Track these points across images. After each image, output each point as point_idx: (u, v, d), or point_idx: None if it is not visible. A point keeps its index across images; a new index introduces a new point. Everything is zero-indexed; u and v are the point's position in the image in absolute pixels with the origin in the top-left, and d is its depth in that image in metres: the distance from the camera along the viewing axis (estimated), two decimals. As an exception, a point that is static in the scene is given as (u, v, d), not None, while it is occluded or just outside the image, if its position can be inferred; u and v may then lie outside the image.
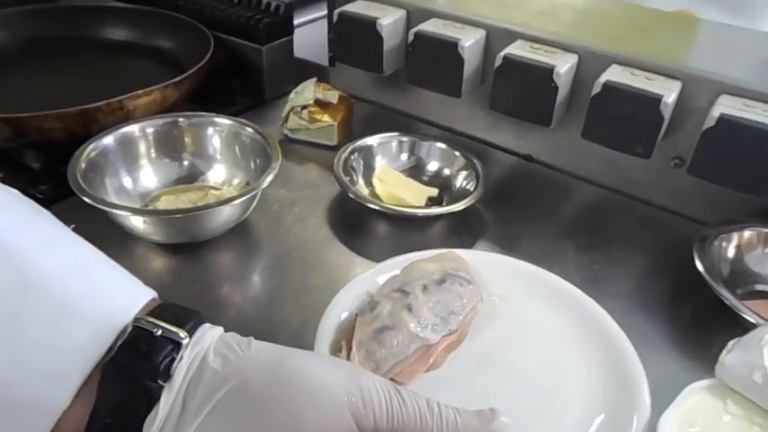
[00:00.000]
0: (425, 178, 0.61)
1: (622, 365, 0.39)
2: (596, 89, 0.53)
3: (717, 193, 0.55)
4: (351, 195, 0.54)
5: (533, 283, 0.46)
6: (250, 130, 0.57)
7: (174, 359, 0.26)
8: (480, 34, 0.61)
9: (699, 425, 0.36)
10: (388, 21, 0.63)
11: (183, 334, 0.27)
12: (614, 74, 0.54)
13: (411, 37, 0.61)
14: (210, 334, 0.28)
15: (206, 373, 0.26)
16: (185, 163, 0.58)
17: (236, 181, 0.57)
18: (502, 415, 0.27)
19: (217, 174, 0.58)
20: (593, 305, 0.43)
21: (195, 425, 0.24)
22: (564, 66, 0.56)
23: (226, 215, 0.50)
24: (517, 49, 0.57)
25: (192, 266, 0.51)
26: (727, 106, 0.50)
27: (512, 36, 0.59)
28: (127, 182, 0.55)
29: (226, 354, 0.26)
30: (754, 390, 0.36)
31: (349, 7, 0.64)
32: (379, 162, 0.61)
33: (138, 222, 0.48)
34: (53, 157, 0.56)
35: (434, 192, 0.59)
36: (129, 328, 0.26)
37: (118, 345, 0.26)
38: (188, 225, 0.50)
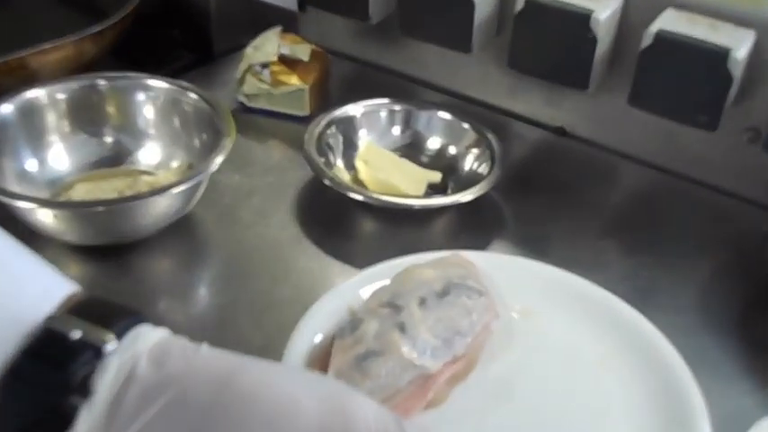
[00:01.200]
0: (425, 159, 0.62)
1: (679, 399, 0.41)
2: (646, 41, 0.54)
3: (803, 175, 0.56)
4: (326, 182, 0.55)
5: (565, 294, 0.47)
6: (193, 96, 0.57)
7: (94, 369, 0.25)
8: (496, -31, 0.62)
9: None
10: (375, -49, 0.64)
11: (108, 337, 0.26)
12: (669, 20, 0.54)
13: (405, -28, 0.62)
14: (148, 337, 0.27)
15: (134, 385, 0.25)
16: (108, 140, 0.58)
17: (174, 163, 0.58)
18: None
19: (150, 154, 0.59)
20: (643, 323, 0.45)
21: None
22: (604, 10, 0.56)
23: (162, 208, 0.51)
24: (544, -11, 0.58)
25: (118, 276, 0.51)
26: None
27: (537, -29, 0.60)
28: (31, 165, 0.55)
29: (163, 361, 0.26)
30: None
31: (323, -67, 0.65)
32: (364, 138, 0.62)
33: (46, 217, 0.49)
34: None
35: (437, 177, 0.60)
36: (39, 330, 0.26)
37: (21, 351, 0.25)
38: (112, 221, 0.50)
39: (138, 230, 0.52)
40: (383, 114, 0.63)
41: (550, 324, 0.46)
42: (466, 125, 0.61)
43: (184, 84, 0.58)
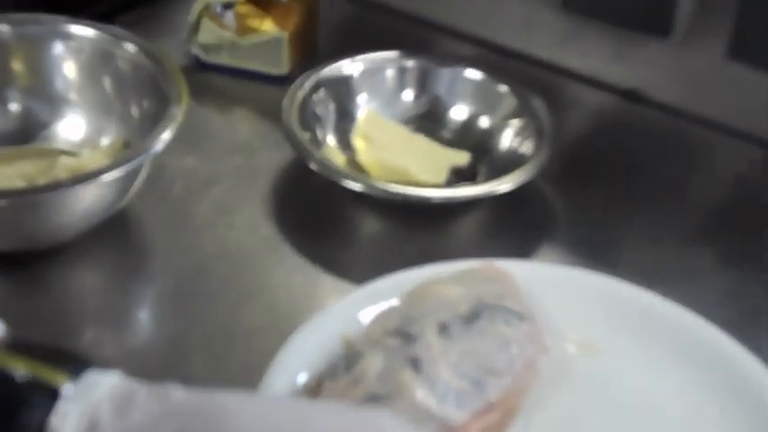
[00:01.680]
0: (447, 135, 0.62)
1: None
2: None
3: None
4: (313, 166, 0.55)
5: (640, 320, 0.48)
6: (131, 47, 0.57)
7: (49, 416, 0.28)
8: None
9: None
10: None
11: (61, 378, 0.29)
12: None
13: None
14: (105, 382, 0.30)
15: None
16: (14, 108, 0.59)
17: (105, 141, 0.58)
18: None
19: (71, 128, 0.59)
20: (750, 361, 0.45)
21: None
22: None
23: (88, 202, 0.51)
24: None
25: (29, 294, 0.51)
26: None
27: None
28: None
29: (130, 408, 0.29)
30: None
31: None
32: (365, 106, 0.62)
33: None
34: None
35: (463, 158, 0.60)
36: None
37: None
38: (20, 220, 0.50)
39: (55, 233, 0.52)
40: (390, 73, 0.63)
41: (620, 361, 0.46)
42: (503, 88, 0.62)
43: (118, 31, 0.58)
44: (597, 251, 0.55)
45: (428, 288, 0.46)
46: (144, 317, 0.52)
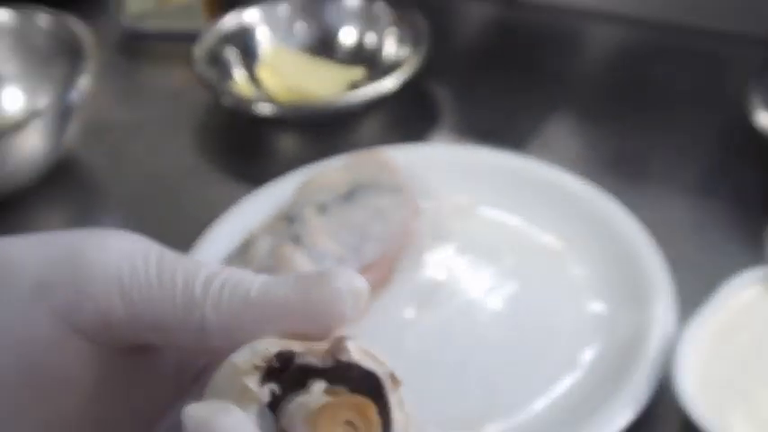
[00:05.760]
0: (340, 56, 0.68)
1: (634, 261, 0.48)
2: None
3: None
4: (224, 101, 0.62)
5: (512, 180, 0.54)
6: (45, 21, 0.63)
7: None
8: None
9: (746, 333, 0.43)
10: None
11: None
12: None
13: None
14: None
15: None
16: None
17: (42, 103, 0.62)
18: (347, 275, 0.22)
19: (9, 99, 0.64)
20: (601, 200, 0.52)
21: None
22: None
23: (27, 150, 0.56)
24: None
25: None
26: None
27: None
28: None
29: None
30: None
31: None
32: (267, 42, 0.68)
33: None
34: None
35: (358, 74, 0.66)
36: None
37: None
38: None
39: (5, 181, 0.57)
40: (282, 10, 0.68)
41: (491, 214, 0.53)
42: (379, 5, 0.67)
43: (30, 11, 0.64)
44: (477, 130, 0.62)
45: (314, 179, 0.52)
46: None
